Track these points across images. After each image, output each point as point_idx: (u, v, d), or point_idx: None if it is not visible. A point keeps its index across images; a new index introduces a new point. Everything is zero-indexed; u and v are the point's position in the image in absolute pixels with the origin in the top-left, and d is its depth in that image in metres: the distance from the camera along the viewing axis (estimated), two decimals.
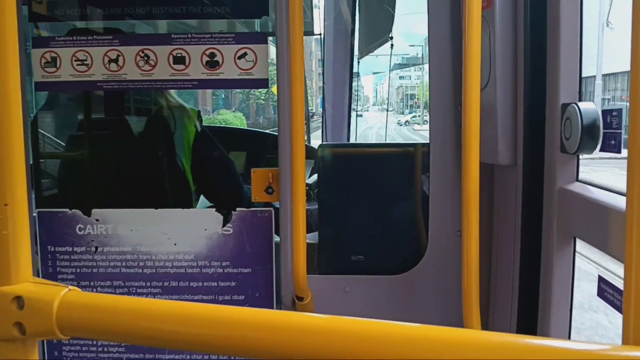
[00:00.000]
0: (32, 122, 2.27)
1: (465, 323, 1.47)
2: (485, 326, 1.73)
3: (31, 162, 2.03)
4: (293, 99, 1.62)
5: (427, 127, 1.90)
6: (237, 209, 1.84)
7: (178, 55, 1.81)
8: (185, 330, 0.63)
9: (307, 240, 1.73)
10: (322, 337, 0.62)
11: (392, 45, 3.72)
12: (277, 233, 1.84)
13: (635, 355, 0.53)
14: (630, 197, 0.62)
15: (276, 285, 1.86)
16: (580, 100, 1.32)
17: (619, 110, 1.16)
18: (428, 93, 1.84)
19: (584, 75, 1.32)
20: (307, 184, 1.80)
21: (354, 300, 1.85)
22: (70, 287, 0.67)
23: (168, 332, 0.63)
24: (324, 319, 0.64)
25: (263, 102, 24.87)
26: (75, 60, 1.82)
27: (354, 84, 4.17)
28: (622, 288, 1.12)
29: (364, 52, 4.08)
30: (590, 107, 1.23)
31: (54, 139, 2.35)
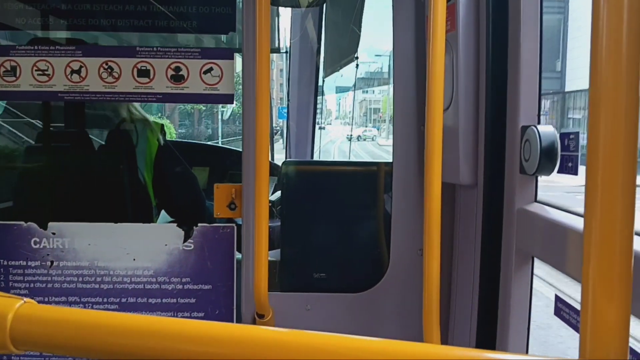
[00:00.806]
0: None
1: (425, 340, 1.48)
2: (445, 343, 1.74)
3: None
4: (258, 115, 1.62)
5: (390, 142, 1.92)
6: (199, 224, 1.82)
7: (142, 68, 1.79)
8: (144, 344, 0.61)
9: (269, 258, 1.72)
10: (283, 351, 0.62)
11: (357, 65, 3.76)
12: (239, 250, 1.82)
13: None
14: (588, 217, 0.64)
15: (237, 303, 1.83)
16: (539, 123, 1.36)
17: (576, 133, 1.20)
18: (392, 110, 1.86)
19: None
20: (270, 201, 1.80)
21: (315, 317, 1.84)
22: (25, 299, 0.65)
23: (127, 346, 0.62)
24: (285, 333, 0.64)
25: (194, 110, 23.81)
26: (36, 70, 1.79)
27: (319, 99, 4.20)
28: (577, 307, 1.15)
29: (329, 71, 4.11)
30: (548, 130, 1.26)
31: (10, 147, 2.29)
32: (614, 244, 0.62)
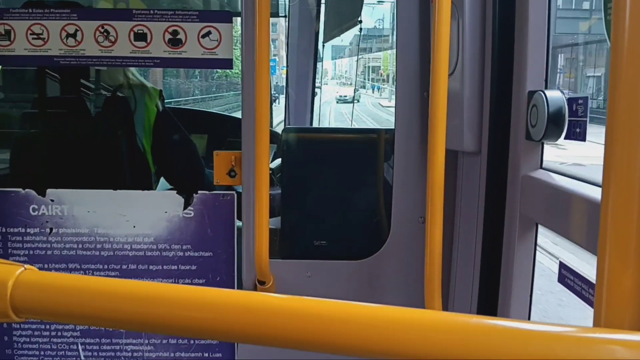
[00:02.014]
0: None
1: (427, 307, 1.48)
2: (446, 310, 1.74)
3: None
4: (258, 81, 1.59)
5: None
6: (199, 192, 1.81)
7: (139, 31, 1.75)
8: (146, 311, 0.60)
9: (270, 225, 1.71)
10: (284, 318, 0.61)
11: (360, 29, 3.64)
12: (240, 217, 1.81)
13: (606, 338, 0.54)
14: (606, 186, 0.62)
15: (238, 270, 1.83)
16: (546, 88, 1.33)
17: (585, 99, 1.17)
18: (395, 74, 1.83)
19: None
20: (270, 169, 1.78)
21: (316, 285, 1.84)
22: (26, 266, 0.63)
23: (128, 313, 0.60)
24: (285, 299, 0.63)
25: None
26: (31, 34, 1.75)
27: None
28: (580, 274, 1.14)
29: (329, 36, 4.04)
30: (556, 95, 1.24)
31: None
32: (631, 211, 0.60)
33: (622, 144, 0.60)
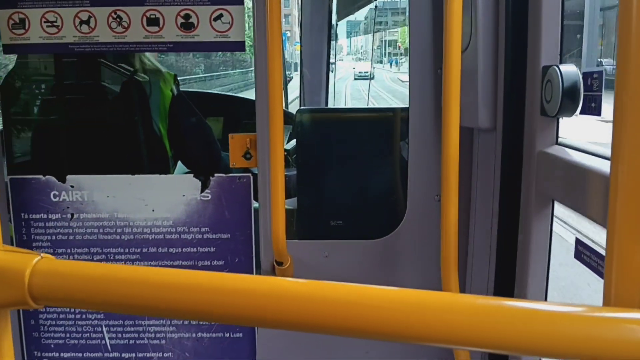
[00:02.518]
0: (1, 86, 2.20)
1: (444, 286, 1.48)
2: (463, 289, 1.75)
3: (0, 128, 1.97)
4: (270, 62, 1.58)
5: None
6: (215, 174, 1.82)
7: (152, 16, 1.75)
8: (163, 297, 0.62)
9: (286, 206, 1.72)
10: (302, 302, 0.62)
11: (376, 6, 3.57)
12: (256, 199, 1.82)
13: (616, 316, 0.54)
14: (615, 161, 0.62)
15: (256, 251, 1.85)
16: (561, 62, 1.31)
17: (600, 73, 1.15)
18: (409, 52, 1.81)
19: None
20: (285, 150, 1.78)
21: (333, 265, 1.86)
22: (42, 254, 0.65)
23: (144, 299, 0.62)
24: (303, 283, 0.63)
25: None
26: (45, 22, 1.76)
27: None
28: (598, 250, 1.13)
29: (343, 13, 4.00)
30: (571, 70, 1.22)
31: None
32: None
33: (631, 117, 0.59)
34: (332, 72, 4.13)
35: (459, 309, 0.59)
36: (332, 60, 4.04)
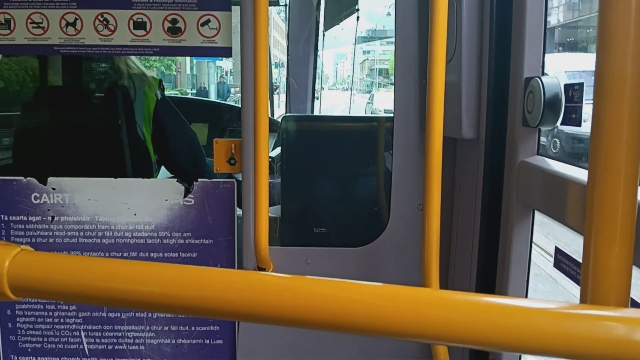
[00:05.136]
0: None
1: None
2: None
3: None
4: (257, 69, 1.59)
5: None
6: (199, 179, 1.82)
7: (139, 20, 1.75)
8: (144, 290, 0.61)
9: (270, 214, 1.72)
10: (285, 296, 0.62)
11: (357, 17, 3.68)
12: (240, 206, 1.82)
13: (592, 314, 0.55)
14: (592, 170, 0.63)
15: (238, 257, 1.85)
16: (543, 74, 1.33)
17: (581, 84, 1.18)
18: (394, 64, 1.83)
19: None
20: (270, 157, 1.79)
21: (315, 272, 1.86)
22: (23, 246, 0.64)
23: (125, 292, 0.61)
24: (286, 278, 0.64)
25: None
26: (31, 23, 1.75)
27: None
28: (574, 258, 1.15)
29: (329, 24, 4.04)
30: (552, 81, 1.24)
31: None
32: (617, 192, 0.61)
33: (607, 128, 0.61)
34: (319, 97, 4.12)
35: (437, 304, 0.59)
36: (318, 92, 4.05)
